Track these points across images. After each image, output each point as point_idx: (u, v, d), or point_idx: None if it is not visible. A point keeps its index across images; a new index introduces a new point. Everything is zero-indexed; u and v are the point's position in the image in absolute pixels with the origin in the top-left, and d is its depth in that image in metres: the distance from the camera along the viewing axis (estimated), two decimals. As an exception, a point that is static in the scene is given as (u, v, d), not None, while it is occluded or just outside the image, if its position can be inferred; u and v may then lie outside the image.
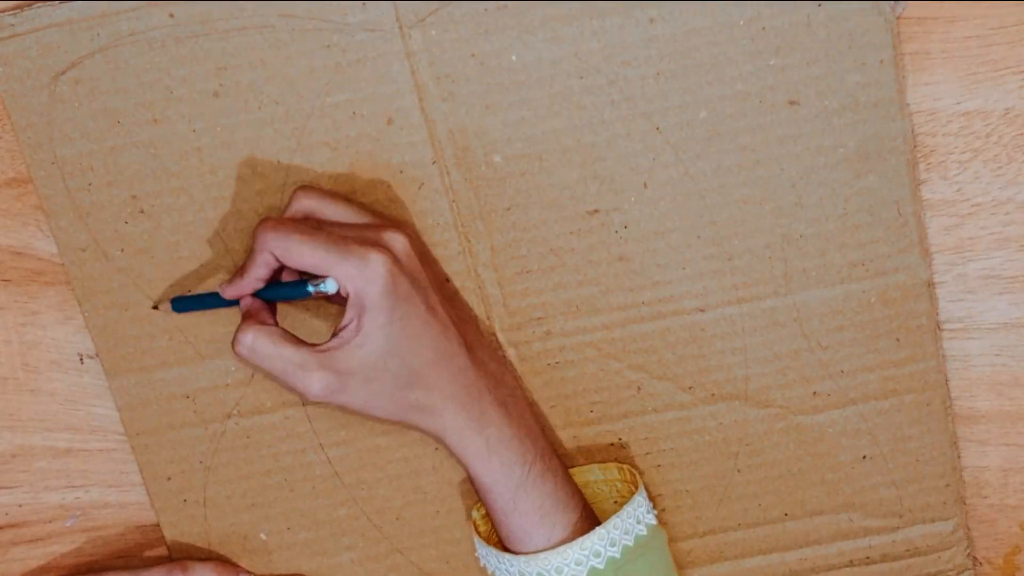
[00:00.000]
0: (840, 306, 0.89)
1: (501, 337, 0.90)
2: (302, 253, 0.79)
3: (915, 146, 0.86)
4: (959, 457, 0.94)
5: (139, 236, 0.88)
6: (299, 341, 0.81)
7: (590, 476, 0.92)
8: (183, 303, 0.87)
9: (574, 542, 0.85)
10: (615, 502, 0.92)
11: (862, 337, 0.89)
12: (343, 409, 0.88)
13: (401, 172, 0.86)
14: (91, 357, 0.92)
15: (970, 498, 0.95)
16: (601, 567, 0.85)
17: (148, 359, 0.90)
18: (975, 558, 0.97)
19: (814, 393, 0.91)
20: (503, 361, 0.89)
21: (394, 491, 0.94)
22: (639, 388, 0.91)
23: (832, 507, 0.94)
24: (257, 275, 0.82)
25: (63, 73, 0.84)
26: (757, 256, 0.88)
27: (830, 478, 0.93)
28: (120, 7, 0.83)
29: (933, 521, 0.94)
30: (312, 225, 0.81)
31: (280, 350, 0.81)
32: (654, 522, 0.88)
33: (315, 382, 0.80)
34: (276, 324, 0.83)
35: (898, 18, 0.83)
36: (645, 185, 0.87)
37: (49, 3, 0.83)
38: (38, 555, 0.97)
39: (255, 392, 0.91)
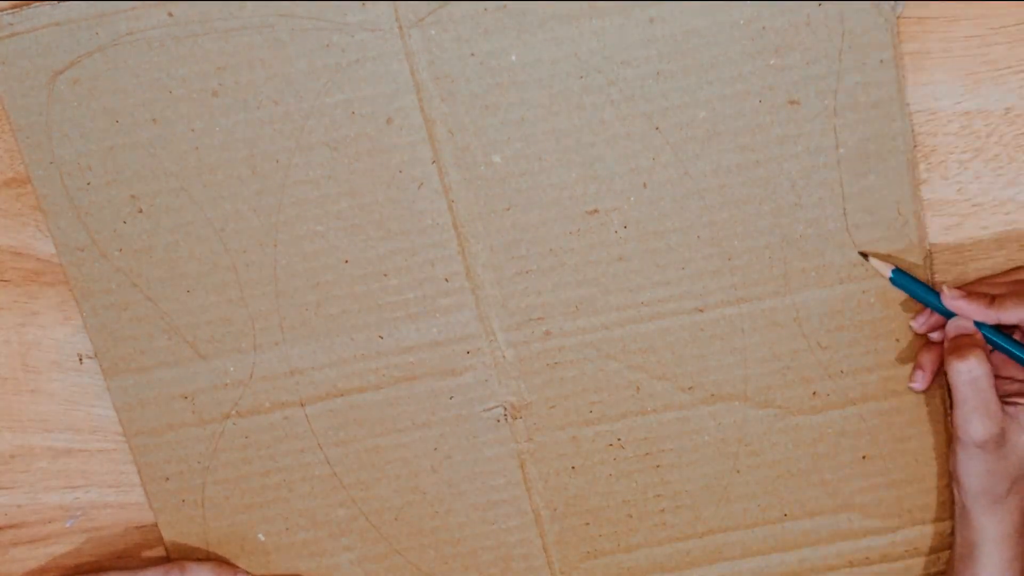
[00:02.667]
0: (840, 306, 0.89)
1: (500, 337, 0.90)
2: None
3: (915, 146, 0.86)
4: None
5: (138, 236, 0.88)
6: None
7: None
8: (904, 280, 0.87)
9: None
10: None
11: (862, 337, 0.89)
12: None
13: (400, 172, 0.86)
14: (91, 357, 0.92)
15: (970, 498, 0.95)
16: None
17: (146, 359, 0.90)
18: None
19: (813, 393, 0.91)
20: None
21: (393, 492, 0.94)
22: (638, 388, 0.91)
23: (831, 507, 0.94)
24: (968, 308, 0.85)
25: (62, 72, 0.84)
26: (756, 256, 0.88)
27: (829, 478, 0.93)
28: (119, 6, 0.83)
29: (933, 521, 0.94)
30: None
31: (991, 387, 0.83)
32: None
33: (984, 430, 0.83)
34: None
35: (898, 18, 0.83)
36: (644, 185, 0.87)
37: (48, 2, 0.83)
38: (38, 555, 0.97)
39: (253, 393, 0.91)
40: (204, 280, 0.89)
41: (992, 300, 0.84)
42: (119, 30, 0.83)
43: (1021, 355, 0.85)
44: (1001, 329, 0.86)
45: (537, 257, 0.88)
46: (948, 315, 0.86)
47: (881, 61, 0.84)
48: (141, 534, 0.96)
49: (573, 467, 0.94)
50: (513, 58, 0.84)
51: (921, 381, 0.88)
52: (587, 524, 0.95)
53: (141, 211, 0.87)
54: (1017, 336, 0.86)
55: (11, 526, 0.96)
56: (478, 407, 0.92)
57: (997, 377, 0.86)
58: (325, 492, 0.94)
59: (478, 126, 0.85)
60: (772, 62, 0.84)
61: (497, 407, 0.92)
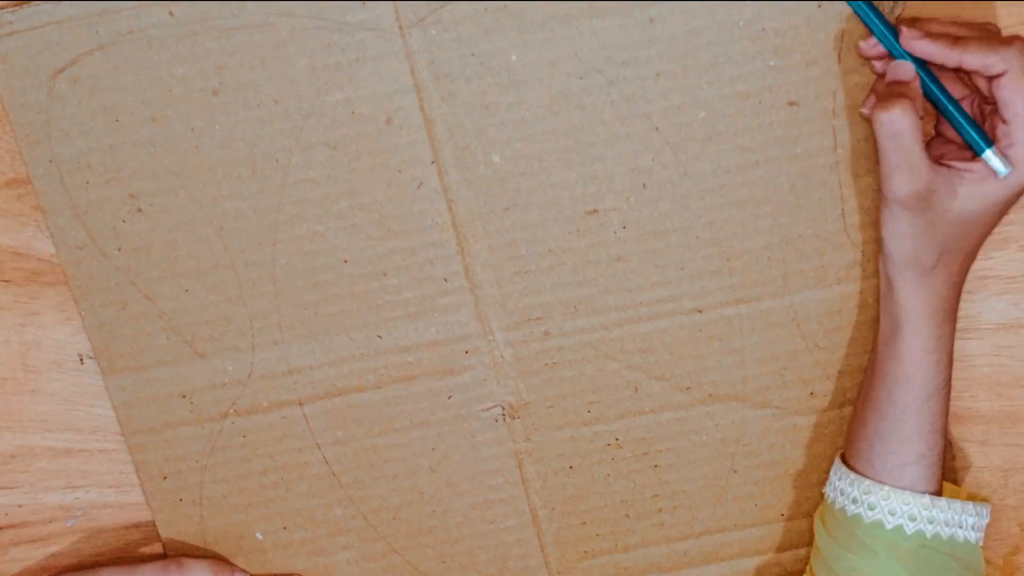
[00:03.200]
0: (838, 307, 0.89)
1: (499, 337, 0.90)
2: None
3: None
4: (955, 458, 0.93)
5: (137, 235, 0.88)
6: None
7: None
8: (864, 10, 0.81)
9: (922, 496, 0.84)
10: None
11: (860, 338, 0.89)
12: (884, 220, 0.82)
13: (400, 171, 0.86)
14: (91, 357, 0.92)
15: (969, 499, 0.95)
16: (927, 538, 0.84)
17: (145, 358, 0.90)
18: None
19: (811, 393, 0.91)
20: None
21: (391, 491, 0.94)
22: (636, 388, 0.91)
23: (830, 508, 0.94)
24: (930, 48, 0.79)
25: (62, 71, 0.84)
26: (755, 257, 0.88)
27: (827, 478, 0.92)
28: (119, 5, 0.83)
29: (931, 522, 0.94)
30: None
31: (917, 140, 0.78)
32: (978, 540, 0.87)
33: (906, 187, 0.79)
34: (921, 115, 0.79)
35: (897, 18, 0.83)
36: (644, 185, 0.87)
37: (48, 1, 0.83)
38: (38, 555, 0.97)
39: (252, 392, 0.91)
40: (203, 279, 0.89)
41: (955, 41, 0.79)
42: (119, 28, 0.83)
43: (956, 114, 0.81)
44: (960, 80, 0.82)
45: (536, 257, 0.88)
46: (903, 57, 0.81)
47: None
48: (140, 533, 0.96)
49: (571, 467, 0.94)
50: (513, 58, 0.84)
51: (868, 107, 0.84)
52: (584, 524, 0.95)
53: (140, 210, 0.87)
54: (970, 91, 0.82)
55: (11, 526, 0.96)
56: (476, 407, 0.92)
57: (938, 137, 0.84)
58: (323, 491, 0.94)
59: (478, 126, 0.85)
60: (772, 63, 0.84)
61: (495, 407, 0.92)
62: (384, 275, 0.89)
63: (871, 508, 0.85)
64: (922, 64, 0.80)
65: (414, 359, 0.91)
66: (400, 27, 0.83)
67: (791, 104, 0.85)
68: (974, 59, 0.78)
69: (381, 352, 0.90)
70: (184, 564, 0.92)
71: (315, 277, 0.89)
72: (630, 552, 0.96)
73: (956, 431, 0.93)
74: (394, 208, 0.87)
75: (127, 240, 0.88)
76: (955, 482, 0.94)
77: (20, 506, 0.96)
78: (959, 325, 0.90)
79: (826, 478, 0.91)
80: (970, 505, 0.85)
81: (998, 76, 0.77)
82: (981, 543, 0.86)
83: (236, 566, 0.95)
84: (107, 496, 0.95)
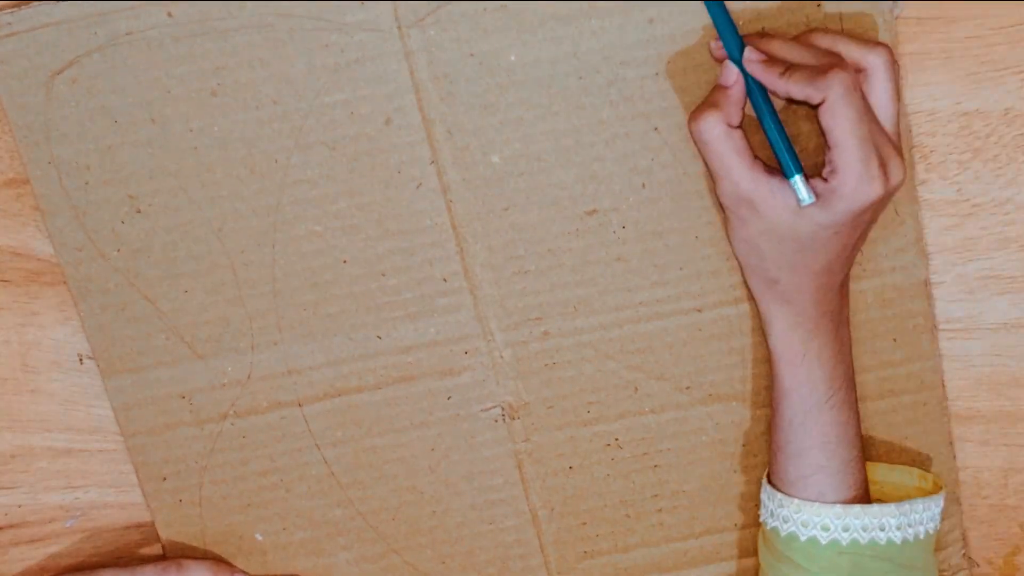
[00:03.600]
0: (838, 307, 0.89)
1: (498, 337, 0.90)
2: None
3: (913, 147, 0.86)
4: (955, 458, 0.93)
5: (136, 236, 0.88)
6: (751, 153, 0.80)
7: (875, 475, 0.91)
8: (717, 13, 0.82)
9: (833, 507, 0.84)
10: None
11: (859, 337, 0.89)
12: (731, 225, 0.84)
13: (399, 172, 0.86)
14: (90, 358, 0.92)
15: (970, 498, 0.95)
16: (844, 546, 0.84)
17: (144, 359, 0.90)
18: (971, 559, 0.97)
19: (812, 394, 0.91)
20: (847, 291, 0.86)
21: (390, 492, 0.94)
22: (636, 388, 0.91)
23: (829, 508, 0.94)
24: (762, 74, 0.80)
25: (60, 72, 0.84)
26: (755, 257, 0.88)
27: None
28: (118, 6, 0.83)
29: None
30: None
31: (731, 149, 0.79)
32: (932, 532, 0.87)
33: (725, 192, 0.80)
34: (739, 127, 0.80)
35: (897, 19, 0.83)
36: (643, 185, 0.87)
37: (47, 2, 0.83)
38: (37, 555, 0.97)
39: (251, 392, 0.91)
40: (202, 280, 0.89)
41: (786, 70, 0.79)
42: (118, 30, 0.83)
43: (773, 133, 0.80)
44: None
45: (535, 257, 0.88)
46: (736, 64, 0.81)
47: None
48: (140, 533, 0.96)
49: (571, 467, 0.94)
50: (512, 58, 0.84)
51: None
52: (584, 524, 0.95)
53: (139, 211, 0.87)
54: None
55: (11, 526, 0.96)
56: (476, 407, 0.92)
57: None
58: (322, 492, 0.94)
59: (477, 126, 0.85)
60: (771, 63, 0.84)
61: (495, 407, 0.92)
62: (383, 275, 0.89)
63: (785, 521, 0.85)
64: (760, 95, 0.81)
65: (413, 359, 0.91)
66: (399, 27, 0.83)
67: (791, 104, 0.85)
68: (797, 89, 0.78)
69: (380, 352, 0.90)
70: (183, 565, 0.92)
71: (314, 277, 0.89)
72: (630, 552, 0.96)
73: (956, 431, 0.93)
74: (393, 208, 0.87)
75: (126, 241, 0.88)
76: (955, 483, 0.94)
77: (20, 506, 0.96)
78: (958, 325, 0.90)
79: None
80: (891, 507, 0.84)
81: (819, 105, 0.78)
82: (920, 537, 0.86)
83: (235, 567, 0.95)
84: (107, 496, 0.95)
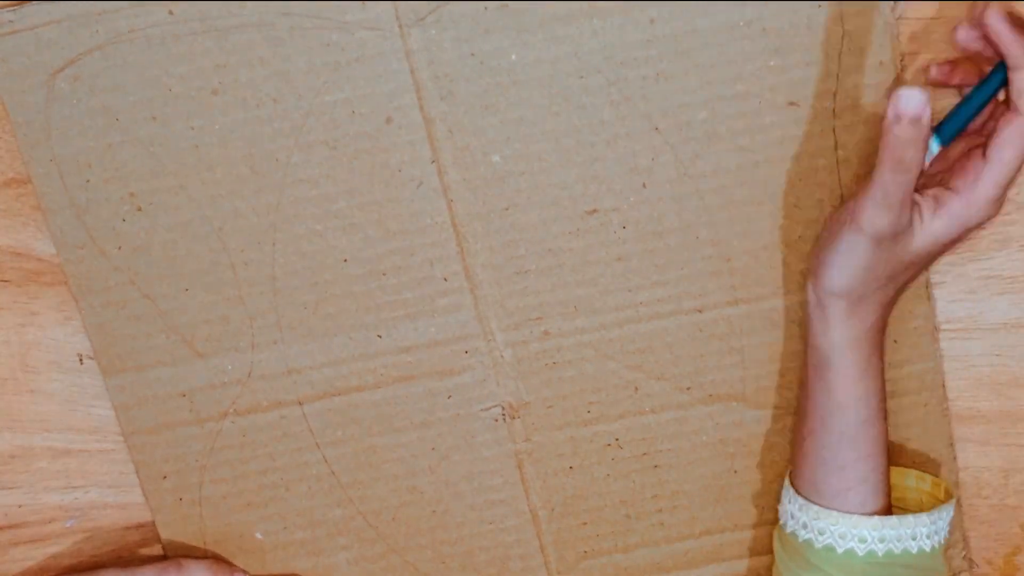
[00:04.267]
0: (838, 307, 0.89)
1: (498, 337, 0.90)
2: None
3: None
4: (955, 459, 0.93)
5: (136, 234, 0.88)
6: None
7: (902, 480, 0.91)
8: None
9: (870, 519, 0.84)
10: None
11: (860, 338, 0.89)
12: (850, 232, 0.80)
13: (399, 171, 0.86)
14: (90, 358, 0.92)
15: (970, 498, 0.95)
16: (880, 556, 0.84)
17: (145, 357, 0.90)
18: (971, 560, 0.96)
19: (812, 394, 0.91)
20: None
21: (390, 491, 0.94)
22: (636, 388, 0.91)
23: (829, 508, 0.94)
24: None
25: (61, 70, 0.84)
26: (755, 257, 0.88)
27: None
28: (119, 4, 0.83)
29: (931, 523, 0.94)
30: None
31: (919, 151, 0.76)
32: (948, 536, 0.87)
33: (886, 223, 0.78)
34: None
35: (898, 19, 0.83)
36: (644, 185, 0.87)
37: (48, 0, 0.83)
38: (37, 556, 0.97)
39: (251, 391, 0.91)
40: (202, 278, 0.89)
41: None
42: (119, 28, 0.83)
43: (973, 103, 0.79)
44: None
45: (536, 257, 0.88)
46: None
47: (881, 63, 0.83)
48: (140, 533, 0.96)
49: (571, 467, 0.94)
50: (513, 58, 0.84)
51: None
52: (585, 524, 0.95)
53: (140, 209, 0.87)
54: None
55: (11, 526, 0.96)
56: (476, 407, 0.92)
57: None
58: (323, 491, 0.94)
59: (477, 126, 0.85)
60: (772, 63, 0.84)
61: (495, 407, 0.92)
62: (384, 275, 0.89)
63: (821, 533, 0.85)
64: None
65: (414, 359, 0.91)
66: (400, 26, 0.83)
67: (791, 104, 0.85)
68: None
69: (381, 352, 0.90)
70: (183, 565, 0.92)
71: (314, 277, 0.89)
72: (630, 552, 0.96)
73: (956, 431, 0.93)
74: (394, 208, 0.87)
75: (127, 239, 0.88)
76: (955, 483, 0.94)
77: (20, 506, 0.96)
78: (959, 325, 0.90)
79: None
80: (923, 516, 0.85)
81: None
82: (942, 543, 0.86)
83: (236, 566, 0.95)
84: (107, 496, 0.95)
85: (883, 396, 0.85)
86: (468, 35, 0.84)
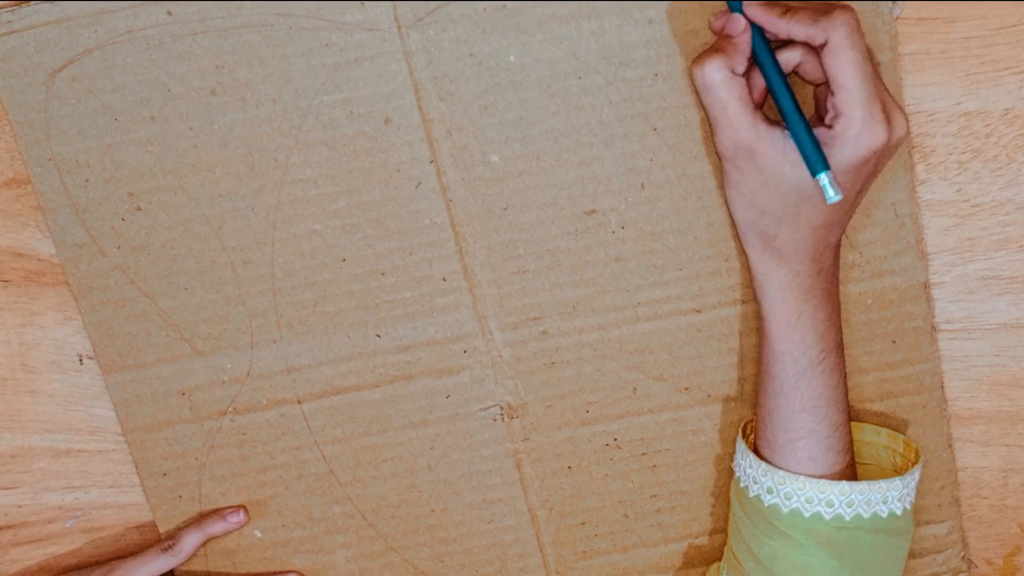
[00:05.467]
0: (836, 307, 0.89)
1: (497, 337, 0.90)
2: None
3: (913, 147, 0.86)
4: (954, 459, 0.93)
5: (136, 233, 0.88)
6: (753, 102, 0.78)
7: (862, 435, 0.90)
8: None
9: (839, 483, 0.83)
10: (876, 466, 0.90)
11: (858, 339, 0.89)
12: (729, 179, 0.82)
13: (398, 171, 0.86)
14: (90, 358, 0.92)
15: (970, 499, 0.95)
16: (847, 520, 0.84)
17: (144, 356, 0.91)
18: (970, 560, 0.96)
19: (810, 394, 0.91)
20: (839, 252, 0.85)
21: (389, 490, 0.94)
22: (635, 388, 0.91)
23: (827, 508, 0.94)
24: (762, 16, 0.78)
25: (61, 70, 0.84)
26: (754, 257, 0.88)
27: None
28: (118, 5, 0.83)
29: (928, 523, 0.94)
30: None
31: (733, 96, 0.77)
32: (908, 507, 0.86)
33: (725, 140, 0.79)
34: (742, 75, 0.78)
35: (897, 19, 0.83)
36: (642, 186, 0.87)
37: (47, 0, 0.83)
38: (37, 556, 0.97)
39: (251, 390, 0.91)
40: (202, 277, 0.89)
41: (786, 11, 0.77)
42: (118, 28, 0.83)
43: (773, 77, 0.79)
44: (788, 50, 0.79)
45: (534, 257, 0.88)
46: (759, 63, 0.80)
47: (880, 63, 0.83)
48: (140, 533, 0.96)
49: (569, 467, 0.94)
50: (512, 58, 0.84)
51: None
52: (583, 524, 0.95)
53: (139, 208, 0.87)
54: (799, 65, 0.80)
55: (11, 526, 0.96)
56: (475, 406, 0.92)
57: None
58: (321, 489, 0.94)
59: (476, 126, 0.85)
60: (771, 63, 0.84)
61: (494, 406, 0.92)
62: (382, 274, 0.89)
63: (787, 498, 0.84)
64: (773, 67, 0.79)
65: (412, 358, 0.91)
66: (398, 27, 0.83)
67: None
68: (800, 29, 0.77)
69: (379, 351, 0.90)
70: (176, 536, 0.93)
71: (314, 276, 0.89)
72: (628, 552, 0.96)
73: (955, 432, 0.93)
74: (392, 207, 0.87)
75: (126, 238, 0.88)
76: (955, 483, 0.93)
77: (20, 506, 0.96)
78: (958, 325, 0.90)
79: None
80: (895, 481, 0.84)
81: (822, 47, 0.76)
82: (911, 504, 0.86)
83: (226, 510, 0.94)
84: (107, 497, 0.96)
85: (830, 349, 0.83)
86: (467, 35, 0.84)
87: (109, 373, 0.91)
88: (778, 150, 0.78)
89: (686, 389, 0.91)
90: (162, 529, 0.95)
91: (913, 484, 0.85)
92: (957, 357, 0.91)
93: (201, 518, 0.94)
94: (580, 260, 0.88)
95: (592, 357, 0.91)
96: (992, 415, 0.93)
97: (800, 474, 0.84)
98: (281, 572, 0.96)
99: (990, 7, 0.84)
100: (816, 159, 0.77)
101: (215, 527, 0.93)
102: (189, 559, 0.94)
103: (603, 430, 0.93)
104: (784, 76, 0.79)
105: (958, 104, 0.86)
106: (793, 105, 0.78)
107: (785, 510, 0.84)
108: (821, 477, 0.84)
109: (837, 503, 0.83)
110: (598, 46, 0.84)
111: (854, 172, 0.78)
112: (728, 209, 0.84)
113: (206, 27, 0.83)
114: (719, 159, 0.81)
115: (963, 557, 0.95)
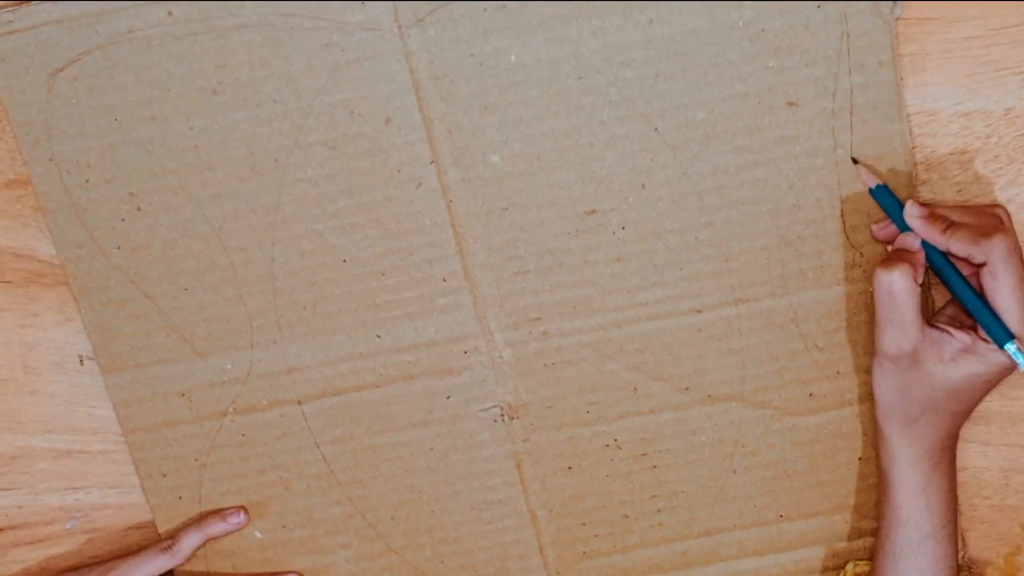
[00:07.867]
0: (836, 307, 0.89)
1: (497, 337, 0.90)
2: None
3: (914, 147, 0.86)
4: (955, 459, 0.93)
5: (136, 233, 0.88)
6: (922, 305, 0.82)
7: None
8: (883, 196, 0.85)
9: None
10: None
11: (858, 338, 0.89)
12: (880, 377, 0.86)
13: (399, 171, 0.87)
14: (91, 359, 0.92)
15: (971, 499, 0.95)
16: None
17: (144, 356, 0.91)
18: (971, 560, 0.96)
19: (810, 394, 0.91)
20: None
21: (389, 490, 0.94)
22: (635, 389, 0.91)
23: (827, 508, 0.94)
24: (923, 229, 0.83)
25: (61, 70, 0.84)
26: (754, 257, 0.88)
27: (826, 479, 0.93)
28: (118, 5, 0.83)
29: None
30: None
31: (912, 305, 0.81)
32: None
33: (895, 344, 0.83)
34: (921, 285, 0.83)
35: (897, 19, 0.83)
36: (643, 186, 0.87)
37: (48, 0, 0.83)
38: (38, 556, 0.97)
39: (251, 390, 0.91)
40: (202, 278, 0.89)
41: (948, 226, 0.83)
42: (118, 28, 0.83)
43: (957, 286, 0.83)
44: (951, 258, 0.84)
45: (535, 257, 0.88)
46: (937, 272, 0.85)
47: (880, 63, 0.83)
48: (140, 534, 0.96)
49: (570, 467, 0.93)
50: (512, 58, 0.84)
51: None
52: (583, 524, 0.95)
53: (140, 209, 0.87)
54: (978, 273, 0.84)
55: (11, 527, 0.96)
56: (475, 407, 0.92)
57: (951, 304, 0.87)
58: (322, 490, 0.94)
59: (477, 126, 0.86)
60: (771, 64, 0.84)
61: (494, 407, 0.92)
62: (383, 275, 0.89)
63: None
64: (953, 271, 0.84)
65: (413, 359, 0.91)
66: (399, 27, 0.83)
67: (790, 105, 0.85)
68: (960, 247, 0.82)
69: (380, 352, 0.90)
70: (176, 536, 0.93)
71: (314, 276, 0.89)
72: (629, 553, 0.96)
73: (956, 432, 0.93)
74: (393, 208, 0.87)
75: (126, 239, 0.88)
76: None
77: (20, 507, 0.96)
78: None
79: (825, 479, 0.92)
80: None
81: (981, 266, 0.81)
82: None
83: (227, 510, 0.94)
84: (107, 497, 0.95)
85: (949, 520, 0.87)
86: (467, 36, 0.84)
87: (109, 374, 0.91)
88: (939, 352, 0.83)
89: (687, 389, 0.91)
90: (162, 529, 0.95)
91: None
92: (957, 358, 0.91)
93: (201, 518, 0.94)
94: (580, 260, 0.88)
95: (592, 357, 0.91)
96: (992, 415, 0.93)
97: None
98: (281, 573, 0.96)
99: (990, 7, 0.84)
100: (1000, 330, 0.82)
101: (215, 528, 0.93)
102: (189, 559, 0.94)
103: (603, 430, 0.92)
104: (964, 278, 0.84)
105: (958, 104, 0.86)
106: (980, 302, 0.83)
107: None
108: None
109: None
110: (599, 46, 0.84)
111: (999, 375, 0.84)
112: (874, 392, 0.87)
113: (207, 27, 0.84)
114: (876, 354, 0.85)
115: (963, 557, 0.95)
